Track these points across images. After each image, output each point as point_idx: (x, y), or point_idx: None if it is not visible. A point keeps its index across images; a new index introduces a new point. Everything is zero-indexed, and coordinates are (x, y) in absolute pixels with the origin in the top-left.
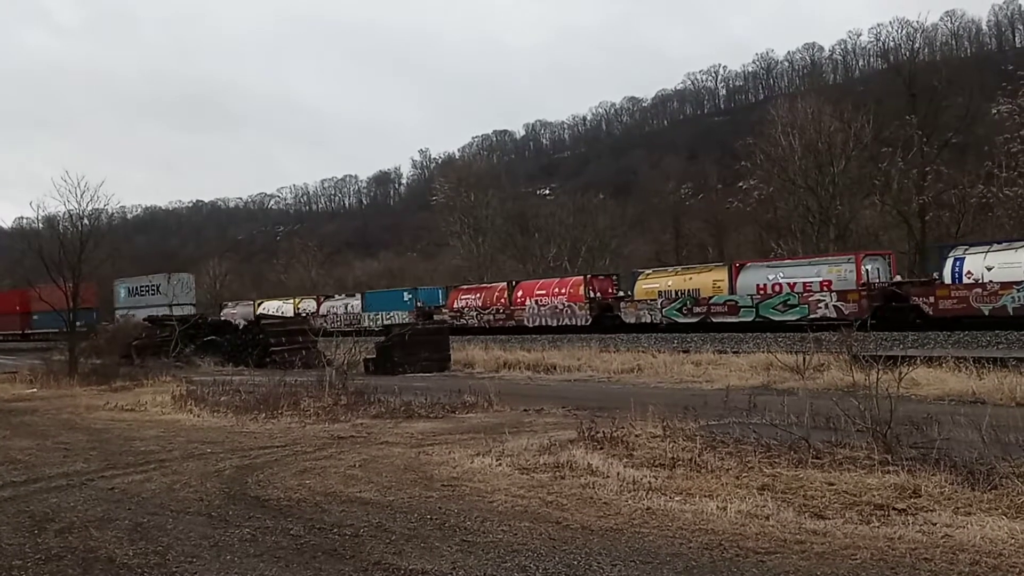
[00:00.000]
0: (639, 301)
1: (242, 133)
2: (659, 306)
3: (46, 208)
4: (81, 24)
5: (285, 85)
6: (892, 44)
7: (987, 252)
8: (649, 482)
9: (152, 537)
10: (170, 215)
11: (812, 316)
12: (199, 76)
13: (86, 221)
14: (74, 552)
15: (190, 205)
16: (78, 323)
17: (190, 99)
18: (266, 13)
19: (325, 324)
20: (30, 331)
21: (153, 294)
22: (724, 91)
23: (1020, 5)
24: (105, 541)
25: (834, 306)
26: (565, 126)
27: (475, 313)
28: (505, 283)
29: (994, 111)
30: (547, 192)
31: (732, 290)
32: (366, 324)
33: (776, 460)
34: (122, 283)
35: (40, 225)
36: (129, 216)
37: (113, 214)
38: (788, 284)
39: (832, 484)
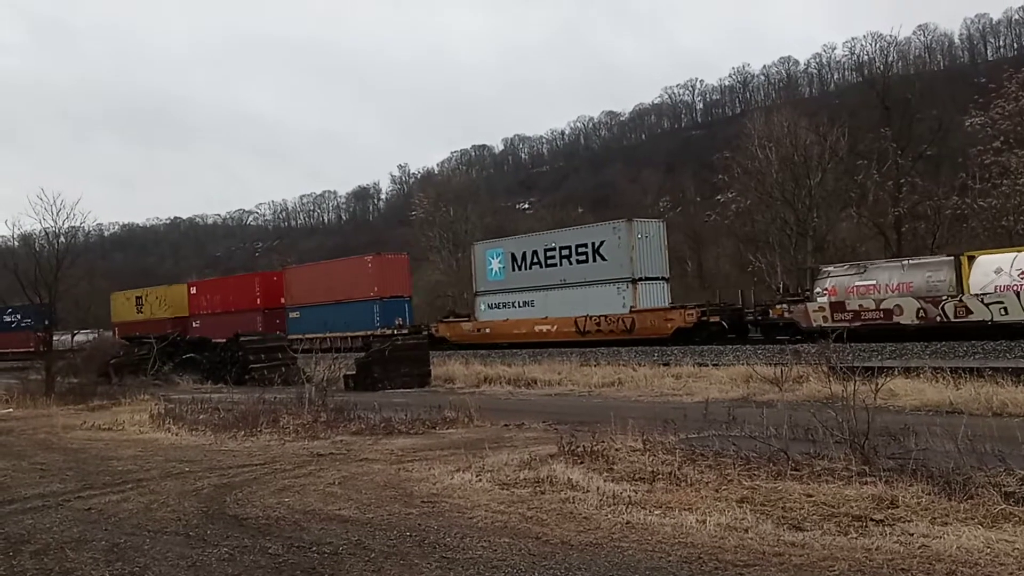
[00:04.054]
0: None
1: (211, 150)
2: None
3: (21, 226)
4: (25, 39)
5: (243, 103)
6: (866, 58)
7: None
8: (629, 496)
9: (129, 558)
10: (147, 232)
11: None
12: (153, 93)
13: (62, 239)
14: (50, 574)
15: (168, 222)
16: (385, 322)
17: (148, 116)
18: (213, 33)
19: None
20: (287, 336)
21: (582, 260)
22: (701, 105)
23: (991, 19)
24: (81, 562)
25: None
26: (544, 140)
27: None
28: None
29: (967, 123)
30: (526, 206)
31: None
32: None
33: (755, 472)
34: (492, 247)
35: (16, 243)
36: (106, 233)
37: (90, 231)
38: None
39: (810, 496)
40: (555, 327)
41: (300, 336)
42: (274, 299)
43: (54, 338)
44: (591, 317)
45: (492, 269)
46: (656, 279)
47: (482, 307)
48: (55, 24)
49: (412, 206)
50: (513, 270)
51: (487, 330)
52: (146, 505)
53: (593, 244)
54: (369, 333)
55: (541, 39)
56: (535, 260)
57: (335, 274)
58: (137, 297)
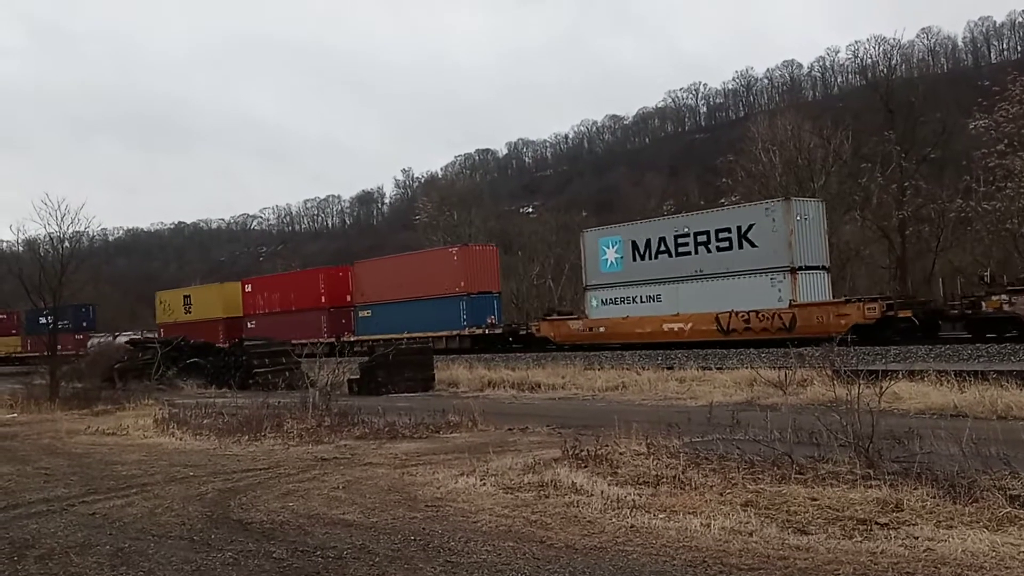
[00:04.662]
0: None
1: (213, 154)
2: None
3: (26, 231)
4: (25, 43)
5: (245, 106)
6: (870, 61)
7: None
8: (633, 500)
9: (133, 562)
10: (152, 237)
11: None
12: (154, 96)
13: (67, 244)
14: None
15: (172, 227)
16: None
17: (149, 120)
18: (213, 35)
19: None
20: (354, 338)
21: (724, 247)
22: (704, 108)
23: (995, 21)
24: (86, 567)
25: None
26: (547, 144)
27: None
28: None
29: (971, 126)
30: (530, 210)
31: None
32: None
33: (759, 476)
34: (607, 235)
35: (20, 248)
36: (110, 238)
37: (94, 236)
38: None
39: (815, 499)
40: (689, 325)
41: (373, 337)
42: (340, 297)
43: (92, 339)
44: (737, 313)
45: (607, 260)
46: (817, 268)
47: (593, 303)
48: (55, 28)
49: (416, 210)
50: (634, 260)
51: (601, 329)
52: (150, 510)
53: (739, 228)
54: (456, 333)
55: (542, 42)
56: (662, 248)
57: (413, 268)
58: (185, 296)
